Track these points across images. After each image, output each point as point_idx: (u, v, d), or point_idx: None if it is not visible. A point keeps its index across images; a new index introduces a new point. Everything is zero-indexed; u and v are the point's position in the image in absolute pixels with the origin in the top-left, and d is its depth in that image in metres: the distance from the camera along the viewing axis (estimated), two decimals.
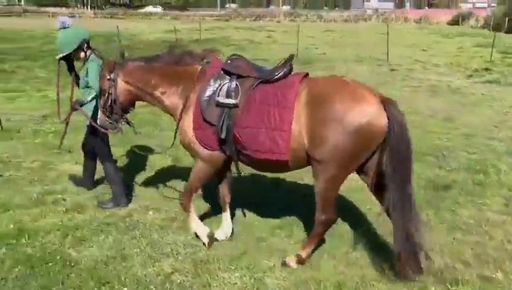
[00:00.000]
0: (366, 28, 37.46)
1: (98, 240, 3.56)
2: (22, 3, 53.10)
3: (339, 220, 3.81)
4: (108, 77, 3.32)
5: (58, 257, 3.27)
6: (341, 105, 2.77)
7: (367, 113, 2.75)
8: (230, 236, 3.61)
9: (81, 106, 3.92)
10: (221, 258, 3.32)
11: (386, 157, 2.86)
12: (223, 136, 3.00)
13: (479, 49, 19.76)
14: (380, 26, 38.42)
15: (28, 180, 4.76)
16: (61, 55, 3.90)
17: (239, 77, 3.06)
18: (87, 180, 4.53)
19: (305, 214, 3.87)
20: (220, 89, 3.03)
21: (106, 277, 3.04)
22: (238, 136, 2.99)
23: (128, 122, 3.61)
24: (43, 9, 45.76)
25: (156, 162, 5.31)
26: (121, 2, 57.89)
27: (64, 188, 4.57)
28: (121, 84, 3.33)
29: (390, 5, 60.49)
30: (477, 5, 56.08)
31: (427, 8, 60.77)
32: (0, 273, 3.08)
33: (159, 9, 53.09)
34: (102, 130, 3.65)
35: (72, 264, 3.21)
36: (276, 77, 3.02)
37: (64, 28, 3.91)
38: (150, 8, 53.80)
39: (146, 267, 3.19)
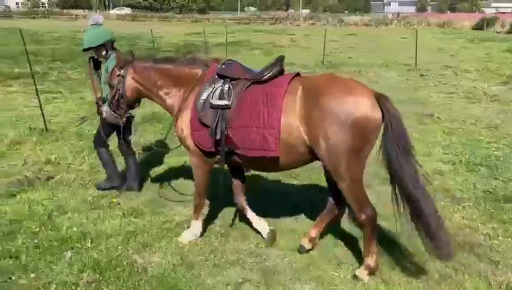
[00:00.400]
0: (389, 32, 37.08)
1: (160, 246, 3.53)
2: (46, 5, 54.24)
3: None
4: (118, 73, 3.52)
5: (125, 263, 3.25)
6: (335, 99, 2.83)
7: (361, 106, 2.80)
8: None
9: (104, 102, 4.09)
10: (288, 268, 3.25)
11: (390, 155, 2.86)
12: (217, 137, 3.11)
13: (509, 55, 19.33)
14: (402, 31, 38.03)
15: (80, 183, 4.78)
16: (84, 48, 4.27)
17: (232, 79, 3.19)
18: (135, 178, 4.59)
19: None
20: (214, 92, 3.17)
21: (177, 285, 3.01)
22: (231, 136, 3.10)
23: (129, 118, 3.80)
24: (66, 11, 46.66)
25: None
26: (143, 5, 58.61)
27: (116, 192, 4.57)
28: (129, 81, 3.52)
29: (412, 9, 59.88)
30: (501, 9, 54.98)
31: (448, 12, 59.90)
32: (70, 277, 3.07)
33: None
34: (112, 121, 3.76)
35: (140, 270, 3.18)
36: (266, 77, 3.13)
37: (97, 24, 4.29)
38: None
39: (214, 276, 3.14)
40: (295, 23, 44.86)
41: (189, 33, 30.51)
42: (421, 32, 36.33)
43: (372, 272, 3.09)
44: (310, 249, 3.43)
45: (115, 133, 4.39)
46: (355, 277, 3.12)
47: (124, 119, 3.67)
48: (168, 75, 3.45)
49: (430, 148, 6.35)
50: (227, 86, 3.15)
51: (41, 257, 3.30)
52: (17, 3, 55.46)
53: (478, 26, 37.28)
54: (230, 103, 3.11)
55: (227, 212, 4.13)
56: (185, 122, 3.30)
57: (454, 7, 62.37)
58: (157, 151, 5.37)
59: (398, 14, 45.91)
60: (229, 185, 4.58)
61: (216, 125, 3.10)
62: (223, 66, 3.27)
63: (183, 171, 5.06)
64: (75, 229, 3.70)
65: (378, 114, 2.83)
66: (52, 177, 4.90)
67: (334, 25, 45.72)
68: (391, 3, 66.38)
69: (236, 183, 3.69)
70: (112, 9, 55.35)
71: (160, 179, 4.93)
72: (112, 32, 4.36)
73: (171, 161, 5.56)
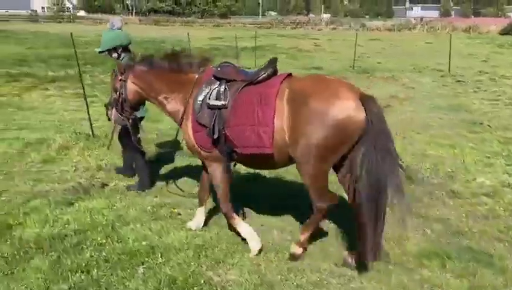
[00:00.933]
0: (413, 37, 36.44)
1: (234, 262, 3.32)
2: (71, 10, 55.19)
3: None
4: (120, 78, 3.63)
5: (202, 281, 3.05)
6: (321, 101, 2.92)
7: (345, 108, 2.89)
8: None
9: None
10: None
11: (366, 151, 2.90)
12: (215, 136, 3.21)
13: None
14: (426, 36, 37.36)
15: (136, 191, 4.63)
16: (96, 50, 4.51)
17: (228, 81, 3.28)
18: (128, 170, 4.96)
19: (456, 241, 3.53)
20: (211, 93, 3.27)
21: None
22: (228, 134, 3.19)
23: (134, 120, 3.94)
24: (90, 16, 47.43)
25: (262, 175, 5.07)
26: (165, 9, 59.14)
27: (174, 201, 4.40)
28: (130, 85, 3.63)
29: (435, 13, 58.91)
30: None
31: (472, 16, 58.71)
32: None
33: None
34: (120, 123, 3.96)
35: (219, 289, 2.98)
36: (259, 79, 3.24)
37: (112, 28, 4.51)
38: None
39: None
40: (316, 28, 44.58)
41: (213, 37, 30.52)
42: (447, 37, 35.49)
43: (304, 248, 3.35)
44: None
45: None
46: (292, 255, 3.32)
47: (131, 121, 3.81)
48: (165, 80, 3.52)
49: (491, 159, 6.02)
50: (223, 87, 3.26)
51: (113, 272, 3.13)
52: (42, 8, 56.66)
53: (506, 31, 36.31)
54: (226, 103, 3.21)
55: (294, 224, 3.91)
56: (189, 127, 3.38)
57: (478, 12, 61.11)
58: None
59: (421, 18, 45.10)
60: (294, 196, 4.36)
61: (214, 125, 3.20)
62: (219, 69, 3.38)
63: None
64: (143, 242, 3.52)
65: (361, 115, 2.90)
66: (107, 185, 4.77)
67: (356, 30, 45.26)
68: (413, 8, 65.47)
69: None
70: (134, 14, 55.81)
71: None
72: (127, 35, 4.48)
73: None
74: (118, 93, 3.66)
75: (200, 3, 59.68)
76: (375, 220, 2.94)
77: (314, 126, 2.90)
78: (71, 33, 7.11)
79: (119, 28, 4.55)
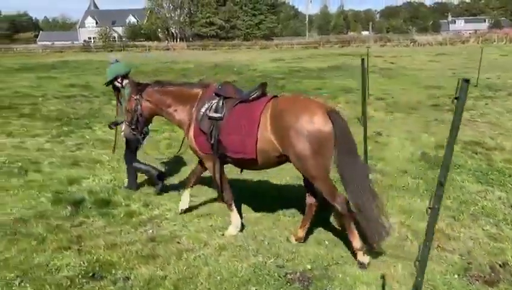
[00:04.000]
0: (476, 49, 34.92)
1: None
2: (116, 39, 56.27)
3: None
4: (135, 98, 4.23)
5: None
6: (294, 117, 3.50)
7: (314, 121, 3.46)
8: None
9: (116, 124, 5.07)
10: None
11: (337, 155, 3.46)
12: (212, 141, 3.84)
13: None
14: (493, 48, 35.70)
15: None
16: (105, 82, 5.16)
17: (226, 98, 3.89)
18: (133, 184, 5.40)
19: None
20: (211, 107, 3.88)
21: None
22: (221, 141, 3.81)
23: (144, 135, 4.48)
24: (139, 43, 47.97)
25: None
26: (209, 34, 59.60)
27: None
28: (144, 103, 4.24)
29: (479, 26, 57.27)
30: None
31: None
32: None
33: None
34: (131, 137, 4.50)
35: None
36: (251, 98, 3.83)
37: (111, 63, 5.13)
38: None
39: None
40: (365, 46, 43.70)
41: (274, 59, 29.80)
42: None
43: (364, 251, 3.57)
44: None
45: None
46: (361, 264, 3.50)
47: (143, 135, 4.38)
48: (176, 95, 4.17)
49: None
50: (221, 102, 3.87)
51: None
52: (89, 38, 58.05)
53: None
54: (222, 115, 3.82)
55: None
56: (192, 134, 4.00)
57: None
58: None
59: (475, 31, 43.69)
60: None
61: (211, 133, 3.81)
62: (220, 87, 3.99)
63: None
64: None
65: (328, 126, 3.44)
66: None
67: (406, 46, 44.26)
68: (456, 21, 64.01)
69: (198, 171, 4.50)
70: (179, 40, 56.31)
71: None
72: (125, 65, 5.11)
73: None
74: (133, 110, 4.22)
75: (243, 27, 59.99)
76: (365, 208, 3.40)
77: (293, 137, 3.46)
78: (362, 60, 6.05)
79: (117, 61, 5.16)
